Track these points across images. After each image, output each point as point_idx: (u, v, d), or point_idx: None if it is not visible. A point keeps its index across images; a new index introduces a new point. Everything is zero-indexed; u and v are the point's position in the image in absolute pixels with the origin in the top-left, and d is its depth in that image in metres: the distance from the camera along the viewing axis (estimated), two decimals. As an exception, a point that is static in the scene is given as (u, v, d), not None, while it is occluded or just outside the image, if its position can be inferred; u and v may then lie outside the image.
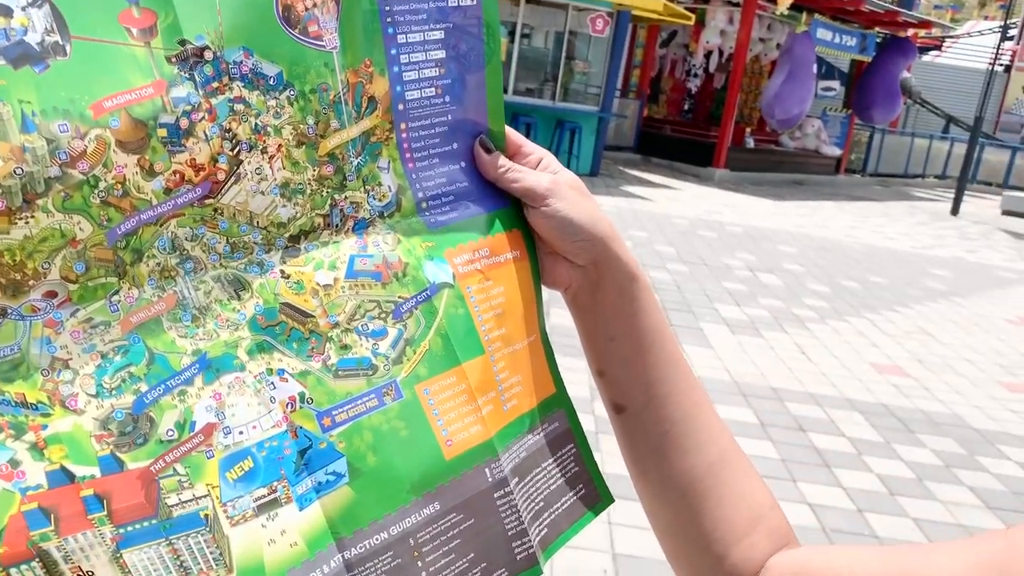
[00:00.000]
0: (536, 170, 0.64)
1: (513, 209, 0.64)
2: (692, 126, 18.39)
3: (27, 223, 0.43)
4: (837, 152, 19.73)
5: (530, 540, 0.59)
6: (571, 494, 0.64)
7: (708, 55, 17.06)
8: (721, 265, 8.49)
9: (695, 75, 19.32)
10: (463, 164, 0.63)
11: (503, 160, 0.64)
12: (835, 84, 19.93)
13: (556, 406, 0.65)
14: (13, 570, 0.41)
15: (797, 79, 15.37)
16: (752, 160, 17.60)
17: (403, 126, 0.59)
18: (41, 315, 0.44)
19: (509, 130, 0.66)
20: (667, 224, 10.36)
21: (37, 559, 0.41)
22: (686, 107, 19.82)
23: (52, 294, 0.44)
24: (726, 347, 5.82)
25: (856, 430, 4.68)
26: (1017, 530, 0.45)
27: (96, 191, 0.45)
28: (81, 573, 0.42)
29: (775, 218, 12.57)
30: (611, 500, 0.66)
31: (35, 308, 0.44)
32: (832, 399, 5.12)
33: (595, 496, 0.65)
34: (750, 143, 17.98)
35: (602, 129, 14.34)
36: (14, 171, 0.42)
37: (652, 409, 0.64)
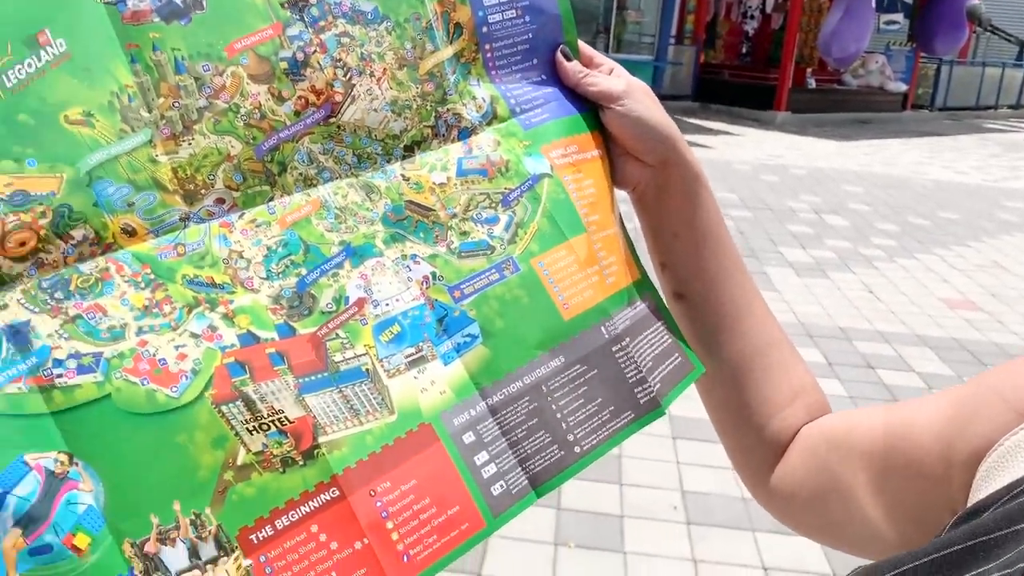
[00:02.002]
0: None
1: (591, 114, 0.72)
2: (751, 70, 17.98)
3: (190, 144, 0.54)
4: (903, 88, 19.11)
5: (651, 386, 0.67)
6: (672, 359, 0.71)
7: (764, -5, 16.67)
8: (785, 208, 8.40)
9: (752, 17, 18.85)
10: (543, 76, 0.72)
11: (581, 67, 0.71)
12: (898, 17, 19.18)
13: (645, 288, 0.73)
14: (224, 407, 0.52)
15: (855, 14, 14.83)
16: (814, 101, 17.19)
17: (488, 47, 0.69)
18: (216, 218, 0.55)
19: (580, 43, 0.72)
20: (728, 171, 10.26)
21: (240, 400, 0.52)
22: (744, 50, 19.38)
23: (221, 200, 0.55)
24: (792, 290, 5.81)
25: (927, 365, 4.67)
26: (983, 373, 0.54)
27: (239, 115, 0.56)
28: (274, 411, 0.53)
29: (839, 158, 12.32)
30: (702, 369, 0.72)
31: (210, 212, 0.55)
32: (902, 336, 5.09)
33: (689, 364, 0.72)
34: (811, 84, 17.55)
35: (658, 78, 14.18)
36: (173, 104, 0.54)
37: (709, 298, 0.72)
